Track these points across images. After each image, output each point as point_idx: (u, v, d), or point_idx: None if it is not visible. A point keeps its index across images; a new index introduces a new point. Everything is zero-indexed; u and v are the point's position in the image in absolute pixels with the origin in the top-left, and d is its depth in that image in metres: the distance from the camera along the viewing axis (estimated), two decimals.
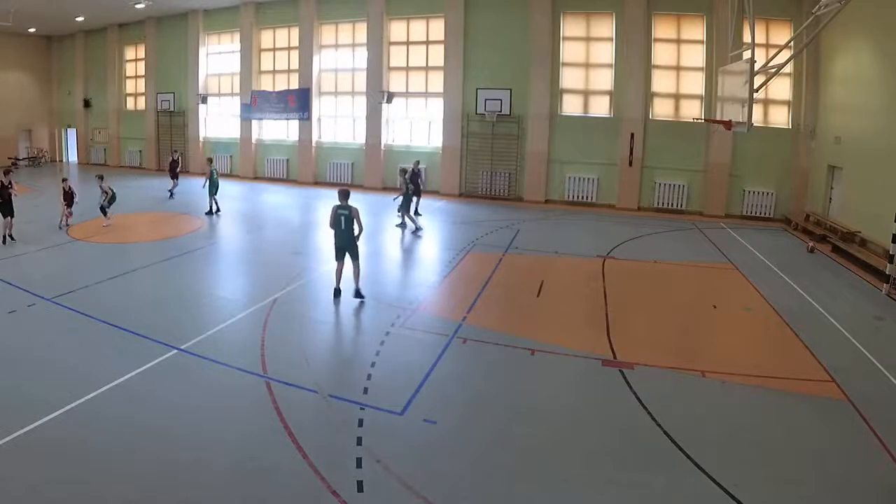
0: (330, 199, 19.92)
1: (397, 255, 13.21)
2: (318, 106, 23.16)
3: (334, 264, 9.32)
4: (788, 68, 14.64)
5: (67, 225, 13.95)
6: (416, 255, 13.17)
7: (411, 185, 14.79)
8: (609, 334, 8.12)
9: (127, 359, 6.79)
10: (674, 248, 13.86)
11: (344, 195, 9.09)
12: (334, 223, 9.08)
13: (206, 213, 16.15)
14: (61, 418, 5.48)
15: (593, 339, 7.90)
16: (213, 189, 16.20)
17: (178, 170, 19.91)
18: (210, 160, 17.08)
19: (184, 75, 25.86)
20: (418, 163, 16.91)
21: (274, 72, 24.25)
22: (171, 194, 19.26)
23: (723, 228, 16.40)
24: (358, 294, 9.11)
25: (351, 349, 7.58)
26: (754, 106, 10.24)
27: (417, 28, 21.37)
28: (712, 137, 17.54)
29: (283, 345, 7.47)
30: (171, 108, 26.33)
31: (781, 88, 17.58)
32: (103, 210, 14.29)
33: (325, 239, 14.79)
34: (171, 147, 26.80)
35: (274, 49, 24.22)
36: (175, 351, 7.11)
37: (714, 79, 16.61)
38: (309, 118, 22.97)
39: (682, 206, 18.59)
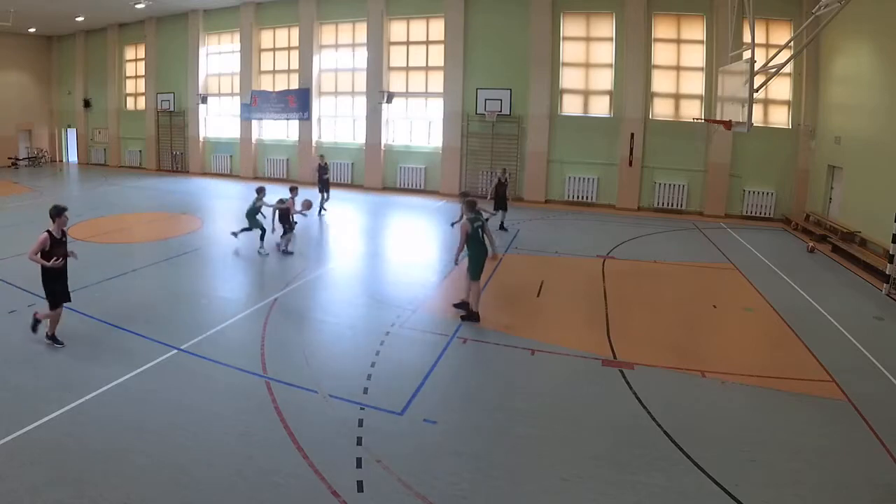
0: (330, 199, 20.15)
1: (397, 255, 13.20)
2: (318, 106, 23.17)
3: (464, 283, 8.39)
4: (788, 68, 14.61)
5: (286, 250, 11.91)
6: (416, 255, 13.16)
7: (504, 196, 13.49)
8: (609, 334, 8.12)
9: (127, 359, 6.79)
10: (674, 248, 13.85)
11: (474, 205, 8.24)
12: (472, 238, 8.09)
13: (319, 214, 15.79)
14: (61, 418, 5.48)
15: (593, 339, 7.90)
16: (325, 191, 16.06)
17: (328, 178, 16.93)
18: (320, 167, 16.47)
19: (184, 75, 25.87)
20: (505, 171, 15.16)
21: (274, 72, 24.25)
22: (322, 210, 16.43)
23: (723, 228, 16.40)
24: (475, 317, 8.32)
25: (351, 349, 7.57)
26: (754, 106, 10.24)
27: (417, 28, 21.38)
28: (712, 137, 17.53)
29: (283, 345, 7.47)
30: (171, 108, 26.34)
31: (781, 88, 17.59)
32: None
33: (325, 239, 14.89)
34: (172, 147, 26.89)
35: (274, 49, 24.23)
36: (175, 351, 7.11)
37: (714, 79, 16.62)
38: (309, 118, 22.99)
39: (682, 206, 18.59)
